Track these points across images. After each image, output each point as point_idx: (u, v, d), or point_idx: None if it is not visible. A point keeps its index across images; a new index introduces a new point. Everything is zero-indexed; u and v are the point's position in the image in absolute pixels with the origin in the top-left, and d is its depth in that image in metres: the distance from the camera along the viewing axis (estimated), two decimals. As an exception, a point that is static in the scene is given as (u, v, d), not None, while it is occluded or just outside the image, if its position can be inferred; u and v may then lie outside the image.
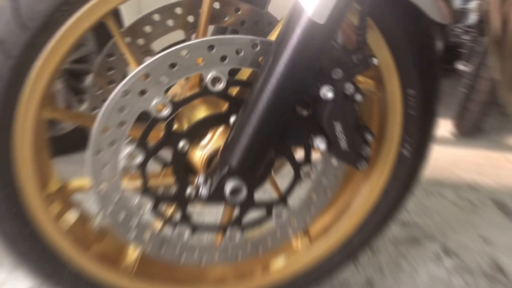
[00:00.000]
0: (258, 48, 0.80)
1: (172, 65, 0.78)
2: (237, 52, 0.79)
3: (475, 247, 1.50)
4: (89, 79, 1.00)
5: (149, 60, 0.77)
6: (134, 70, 0.77)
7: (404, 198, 1.02)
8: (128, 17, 0.94)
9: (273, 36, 0.84)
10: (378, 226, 1.04)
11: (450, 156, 2.52)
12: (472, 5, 3.35)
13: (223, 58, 0.79)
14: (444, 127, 3.09)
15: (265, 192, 0.98)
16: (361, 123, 0.86)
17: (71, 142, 2.08)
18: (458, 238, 1.56)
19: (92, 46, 2.13)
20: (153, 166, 0.89)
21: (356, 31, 0.79)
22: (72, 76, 2.17)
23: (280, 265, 1.05)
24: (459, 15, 3.95)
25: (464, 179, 2.16)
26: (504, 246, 1.51)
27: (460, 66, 2.64)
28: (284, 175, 1.05)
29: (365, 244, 1.06)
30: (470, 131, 2.79)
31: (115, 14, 0.76)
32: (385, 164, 0.96)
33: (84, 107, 2.14)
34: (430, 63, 0.89)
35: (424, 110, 0.92)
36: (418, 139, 0.94)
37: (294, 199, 0.96)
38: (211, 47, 0.78)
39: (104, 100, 0.79)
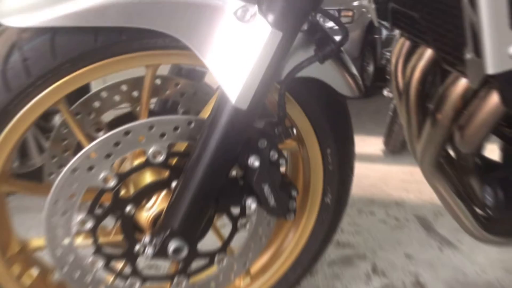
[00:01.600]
0: (193, 125, 0.86)
1: (116, 144, 0.83)
2: (175, 129, 0.85)
3: (400, 265, 1.60)
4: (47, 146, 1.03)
5: (94, 141, 0.82)
6: (82, 151, 0.81)
7: (330, 237, 1.10)
8: (95, 85, 0.99)
9: (206, 112, 0.91)
10: (310, 263, 1.12)
11: (379, 173, 2.65)
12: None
13: (162, 135, 0.85)
14: (375, 144, 3.24)
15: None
16: (286, 180, 0.94)
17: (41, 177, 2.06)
18: (386, 256, 1.66)
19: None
20: (106, 221, 0.93)
21: (277, 106, 0.86)
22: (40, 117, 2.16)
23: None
24: (389, 41, 4.13)
25: (392, 196, 2.28)
26: (425, 262, 1.62)
27: (385, 92, 2.78)
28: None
29: (299, 278, 1.14)
30: (397, 149, 2.93)
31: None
32: (312, 211, 1.04)
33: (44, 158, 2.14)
34: (344, 127, 0.98)
35: (341, 165, 1.00)
36: (338, 189, 1.02)
37: (236, 244, 1.02)
38: (151, 127, 0.84)
39: (60, 166, 0.83)
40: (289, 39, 0.77)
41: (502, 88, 0.70)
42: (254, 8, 0.75)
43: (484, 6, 0.64)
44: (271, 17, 0.74)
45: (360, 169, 2.71)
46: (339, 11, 4.76)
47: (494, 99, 0.77)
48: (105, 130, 1.00)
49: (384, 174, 2.63)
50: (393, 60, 1.21)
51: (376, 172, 2.67)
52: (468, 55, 0.71)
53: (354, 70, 0.92)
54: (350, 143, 1.00)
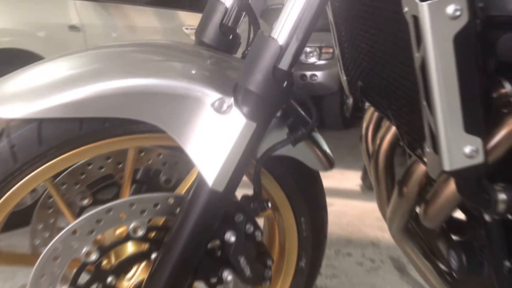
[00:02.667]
0: (172, 201, 0.87)
1: (98, 221, 0.84)
2: (155, 206, 0.87)
3: (373, 310, 1.62)
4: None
5: (77, 220, 0.83)
6: (65, 229, 0.83)
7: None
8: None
9: (186, 184, 0.93)
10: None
11: (357, 210, 2.69)
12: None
13: (143, 212, 0.86)
14: (354, 179, 3.28)
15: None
16: (262, 249, 0.96)
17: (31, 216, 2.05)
18: (360, 301, 1.68)
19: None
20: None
21: (253, 182, 0.89)
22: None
23: None
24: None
25: (368, 235, 2.31)
26: (397, 307, 1.65)
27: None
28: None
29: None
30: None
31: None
32: (287, 275, 1.06)
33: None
34: (317, 196, 1.01)
35: (314, 232, 1.02)
36: (312, 253, 1.05)
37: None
38: (132, 205, 0.85)
39: (47, 236, 0.84)
40: (263, 128, 0.80)
41: (458, 182, 0.74)
42: (230, 100, 0.78)
43: (439, 111, 0.68)
44: (245, 109, 0.77)
45: (338, 206, 2.76)
46: (320, 48, 4.85)
47: (453, 184, 0.80)
48: (90, 199, 1.01)
49: (361, 212, 2.66)
50: (364, 125, 1.25)
51: (353, 209, 2.70)
52: (427, 149, 0.74)
53: (325, 147, 0.95)
54: (323, 211, 1.03)
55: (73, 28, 2.52)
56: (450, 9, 0.63)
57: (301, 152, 0.90)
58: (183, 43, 0.99)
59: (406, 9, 0.67)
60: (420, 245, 1.09)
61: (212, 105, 0.78)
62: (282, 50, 0.75)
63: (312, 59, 4.96)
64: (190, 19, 3.28)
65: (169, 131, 0.79)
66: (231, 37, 1.00)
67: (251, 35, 1.02)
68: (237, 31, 1.02)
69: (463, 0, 0.63)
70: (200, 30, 1.00)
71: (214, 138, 0.79)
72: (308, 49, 4.90)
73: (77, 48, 2.57)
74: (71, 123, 0.78)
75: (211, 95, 0.79)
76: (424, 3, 0.62)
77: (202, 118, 0.79)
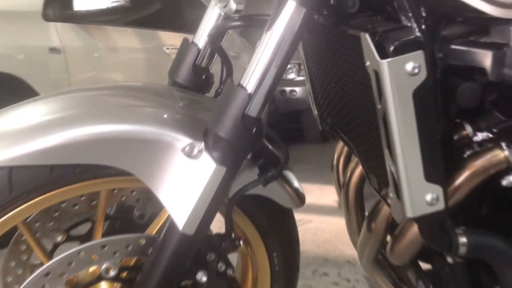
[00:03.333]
0: (144, 242, 0.87)
1: (70, 263, 0.83)
2: (127, 247, 0.86)
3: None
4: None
5: (48, 262, 0.82)
6: (35, 272, 0.81)
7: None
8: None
9: (157, 223, 0.92)
10: None
11: (334, 227, 2.69)
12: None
13: (115, 252, 0.85)
14: (332, 194, 3.29)
15: None
16: (234, 285, 0.96)
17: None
18: (335, 323, 1.68)
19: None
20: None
21: (225, 221, 0.89)
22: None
23: None
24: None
25: (344, 254, 2.31)
26: (371, 328, 1.65)
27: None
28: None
29: None
30: (350, 202, 2.98)
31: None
32: (260, 307, 1.06)
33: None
34: (289, 231, 1.01)
35: (286, 266, 1.03)
36: (284, 287, 1.05)
37: None
38: (103, 246, 0.84)
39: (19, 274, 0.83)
40: (233, 172, 0.80)
41: (420, 227, 0.75)
42: (201, 145, 0.78)
43: (401, 160, 0.69)
44: (215, 154, 0.77)
45: (316, 222, 2.77)
46: (299, 64, 4.89)
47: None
48: (63, 236, 1.00)
49: (339, 228, 2.66)
50: (335, 155, 1.26)
51: (331, 226, 2.71)
52: (391, 194, 0.75)
53: (296, 184, 0.95)
54: (295, 245, 1.04)
55: (53, 50, 2.50)
56: (409, 66, 0.64)
57: (272, 191, 0.91)
58: (156, 84, 0.99)
59: (368, 63, 0.68)
60: (390, 275, 1.10)
61: (183, 150, 0.78)
62: (251, 98, 0.76)
63: (292, 75, 5.00)
64: (170, 39, 3.28)
65: (140, 176, 0.79)
66: (204, 77, 1.00)
67: (224, 76, 1.03)
68: (210, 70, 1.02)
69: (421, 58, 0.64)
70: (173, 70, 1.00)
71: (184, 182, 0.78)
72: (287, 66, 4.92)
73: (57, 70, 2.56)
74: (42, 169, 0.77)
75: (181, 140, 0.79)
76: (384, 61, 0.64)
77: (173, 163, 0.79)
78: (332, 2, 0.83)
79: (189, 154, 0.78)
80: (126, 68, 3.03)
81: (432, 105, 0.68)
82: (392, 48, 0.64)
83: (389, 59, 0.63)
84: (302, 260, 1.10)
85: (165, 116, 0.82)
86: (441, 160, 0.70)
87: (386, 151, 0.72)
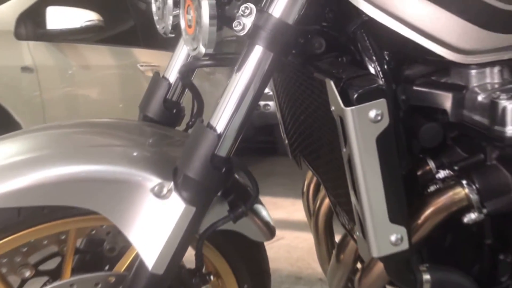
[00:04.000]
0: (113, 280, 0.85)
1: (38, 303, 0.81)
2: (96, 285, 0.84)
3: None
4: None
5: (16, 304, 0.80)
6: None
7: None
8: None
9: (128, 259, 0.91)
10: None
11: (307, 244, 2.69)
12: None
13: (84, 291, 0.84)
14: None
15: None
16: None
17: None
18: None
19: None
20: None
21: (195, 257, 0.88)
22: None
23: None
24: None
25: (317, 271, 2.31)
26: None
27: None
28: None
29: None
30: (323, 218, 3.00)
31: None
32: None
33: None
34: (260, 263, 1.01)
35: (258, 298, 1.03)
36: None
37: None
38: (72, 285, 0.83)
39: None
40: (202, 211, 0.79)
41: (386, 266, 0.76)
42: (170, 185, 0.78)
43: (365, 202, 0.70)
44: (185, 194, 0.77)
45: (289, 239, 2.77)
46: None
47: (383, 263, 0.82)
48: (32, 271, 0.97)
49: (311, 245, 2.65)
50: (306, 182, 1.27)
51: (304, 242, 2.71)
52: (357, 233, 0.76)
53: (266, 217, 0.95)
54: (266, 277, 1.03)
55: (25, 69, 2.45)
56: (372, 113, 0.65)
57: (242, 226, 0.90)
58: (126, 120, 0.98)
59: (333, 108, 0.69)
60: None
61: (152, 190, 0.78)
62: (220, 138, 0.76)
63: (266, 90, 5.02)
64: (144, 56, 3.25)
65: (109, 216, 0.78)
66: (175, 111, 1.00)
67: (195, 108, 1.02)
68: (181, 104, 1.02)
69: (384, 106, 0.65)
70: (144, 105, 0.99)
71: (154, 222, 0.78)
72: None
73: (30, 88, 2.51)
74: (10, 211, 0.76)
75: (151, 180, 0.78)
76: (348, 108, 0.65)
77: (142, 203, 0.78)
78: (300, 41, 0.84)
79: (158, 194, 0.78)
80: (100, 86, 2.99)
81: (395, 149, 0.69)
82: (355, 96, 0.65)
83: (353, 107, 0.65)
84: (275, 278, 1.10)
85: (135, 154, 0.82)
86: (405, 202, 0.71)
87: (352, 192, 0.73)
